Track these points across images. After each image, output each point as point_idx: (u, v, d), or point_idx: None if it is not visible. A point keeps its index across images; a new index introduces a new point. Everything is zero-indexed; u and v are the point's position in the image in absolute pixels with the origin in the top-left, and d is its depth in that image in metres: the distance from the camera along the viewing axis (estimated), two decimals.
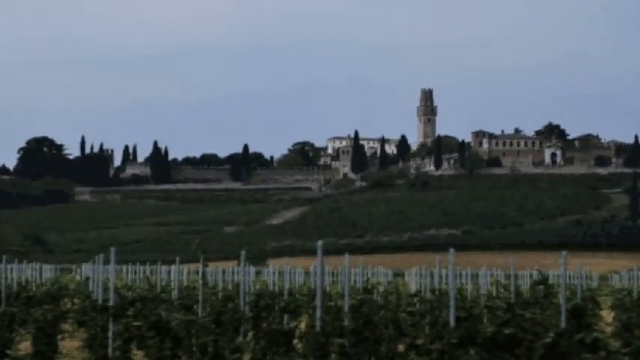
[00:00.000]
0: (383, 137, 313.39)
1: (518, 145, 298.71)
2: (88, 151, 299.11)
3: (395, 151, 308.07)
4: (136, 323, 17.09)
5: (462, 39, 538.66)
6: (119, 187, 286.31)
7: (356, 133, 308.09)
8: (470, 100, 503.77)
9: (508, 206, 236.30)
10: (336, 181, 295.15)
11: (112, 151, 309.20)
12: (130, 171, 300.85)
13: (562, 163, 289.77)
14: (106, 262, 18.62)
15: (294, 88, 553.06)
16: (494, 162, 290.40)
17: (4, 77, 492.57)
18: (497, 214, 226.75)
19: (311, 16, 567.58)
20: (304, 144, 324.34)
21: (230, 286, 32.18)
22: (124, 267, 52.95)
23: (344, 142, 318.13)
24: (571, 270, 44.25)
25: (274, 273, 34.52)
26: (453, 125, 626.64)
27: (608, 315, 25.56)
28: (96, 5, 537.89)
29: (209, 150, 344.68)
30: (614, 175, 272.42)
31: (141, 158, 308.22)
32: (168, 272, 44.41)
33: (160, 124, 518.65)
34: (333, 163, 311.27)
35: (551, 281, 19.86)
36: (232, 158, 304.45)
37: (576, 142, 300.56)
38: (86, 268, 52.55)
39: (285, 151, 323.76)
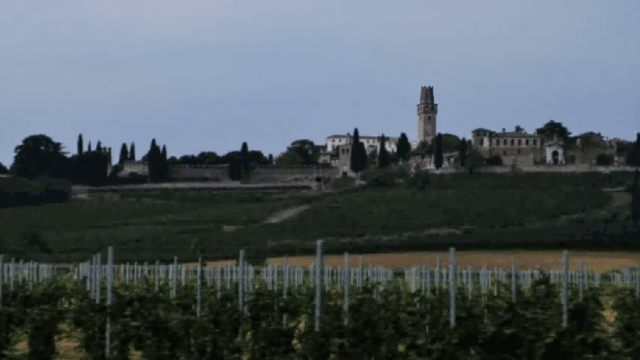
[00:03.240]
0: (383, 135, 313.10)
1: (520, 143, 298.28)
2: (85, 149, 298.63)
3: (395, 150, 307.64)
4: (134, 323, 16.97)
5: (463, 36, 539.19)
6: (117, 186, 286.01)
7: (355, 131, 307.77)
8: (470, 98, 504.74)
9: (509, 205, 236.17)
10: (335, 179, 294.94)
11: (109, 149, 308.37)
12: (127, 170, 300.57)
13: (563, 161, 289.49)
14: (104, 261, 18.50)
15: (293, 86, 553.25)
16: (495, 160, 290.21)
17: (1, 75, 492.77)
18: (498, 213, 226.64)
19: (310, 15, 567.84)
20: (303, 142, 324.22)
21: (229, 286, 32.05)
22: (122, 266, 52.81)
23: (343, 141, 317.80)
24: (572, 269, 44.08)
25: (273, 272, 34.38)
26: (454, 123, 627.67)
27: (610, 315, 25.42)
28: (93, 3, 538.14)
29: (207, 148, 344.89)
30: (616, 173, 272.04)
31: (139, 157, 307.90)
32: (167, 272, 44.32)
33: (157, 123, 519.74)
34: (333, 161, 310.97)
35: (552, 281, 19.75)
36: (231, 157, 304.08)
37: (578, 141, 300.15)
38: (84, 268, 52.40)
39: (285, 150, 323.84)
